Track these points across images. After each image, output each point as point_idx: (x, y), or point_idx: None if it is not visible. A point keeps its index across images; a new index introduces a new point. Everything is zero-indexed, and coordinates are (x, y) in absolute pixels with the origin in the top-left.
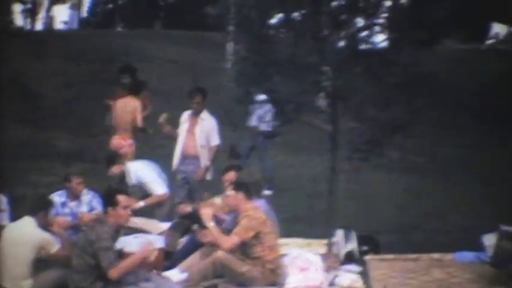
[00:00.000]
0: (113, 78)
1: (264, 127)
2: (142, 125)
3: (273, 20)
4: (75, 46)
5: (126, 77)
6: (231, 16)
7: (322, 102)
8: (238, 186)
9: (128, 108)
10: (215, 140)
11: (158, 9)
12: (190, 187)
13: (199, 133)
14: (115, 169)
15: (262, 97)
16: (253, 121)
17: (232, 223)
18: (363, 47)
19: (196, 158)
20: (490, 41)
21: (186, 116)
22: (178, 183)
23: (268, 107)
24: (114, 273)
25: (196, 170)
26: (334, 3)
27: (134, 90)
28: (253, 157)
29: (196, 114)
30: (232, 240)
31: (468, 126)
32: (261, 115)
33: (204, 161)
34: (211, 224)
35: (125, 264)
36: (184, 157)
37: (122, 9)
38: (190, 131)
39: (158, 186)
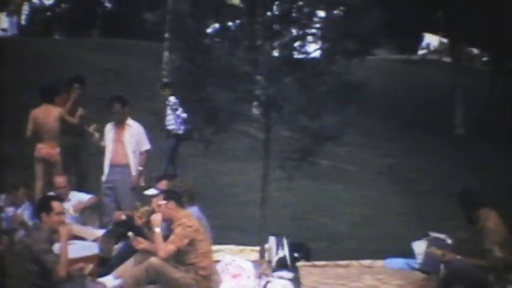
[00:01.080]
0: (53, 86)
1: (178, 130)
2: (79, 122)
3: (209, 30)
4: (14, 54)
5: (76, 88)
6: (167, 25)
7: (256, 111)
8: (169, 195)
9: (51, 116)
10: (146, 145)
11: (96, 18)
12: (116, 196)
13: (129, 139)
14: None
15: (175, 100)
16: (169, 123)
17: (166, 230)
18: (296, 56)
19: (125, 166)
20: (422, 52)
21: (110, 126)
22: (104, 192)
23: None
24: (61, 271)
25: (123, 178)
26: (268, 14)
27: (47, 97)
28: (188, 164)
29: (120, 122)
30: (168, 248)
31: (399, 136)
32: (177, 118)
33: (136, 167)
34: (157, 230)
35: (65, 258)
36: (113, 166)
37: (60, 17)
38: (118, 140)
39: (83, 195)
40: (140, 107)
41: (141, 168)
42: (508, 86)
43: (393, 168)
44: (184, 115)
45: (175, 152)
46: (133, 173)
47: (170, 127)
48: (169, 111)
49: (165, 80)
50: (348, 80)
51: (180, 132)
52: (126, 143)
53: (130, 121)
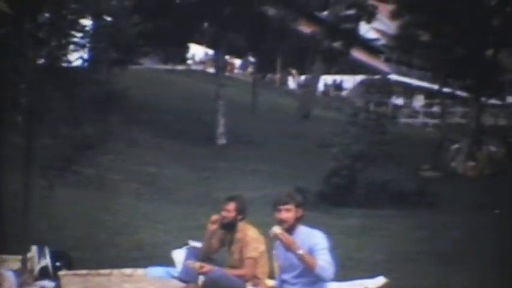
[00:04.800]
0: None
1: None
2: None
3: None
4: None
5: None
6: None
7: (19, 118)
8: None
9: None
10: None
11: None
12: None
13: None
14: None
15: None
16: None
17: None
18: (59, 65)
19: None
20: (187, 62)
21: None
22: None
23: None
24: None
25: None
26: (34, 22)
27: None
28: None
29: None
30: None
31: (162, 145)
32: None
33: None
34: None
35: None
36: None
37: None
38: None
39: None
40: None
41: None
42: (268, 96)
43: (155, 176)
44: None
45: None
46: None
47: None
48: None
49: None
50: (109, 89)
51: None
52: None
53: None
